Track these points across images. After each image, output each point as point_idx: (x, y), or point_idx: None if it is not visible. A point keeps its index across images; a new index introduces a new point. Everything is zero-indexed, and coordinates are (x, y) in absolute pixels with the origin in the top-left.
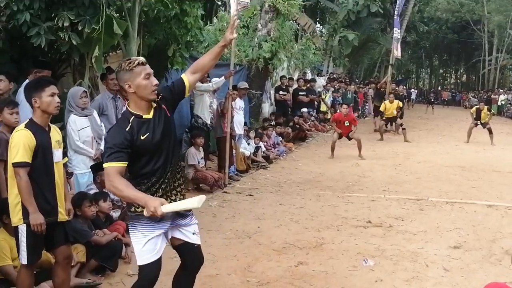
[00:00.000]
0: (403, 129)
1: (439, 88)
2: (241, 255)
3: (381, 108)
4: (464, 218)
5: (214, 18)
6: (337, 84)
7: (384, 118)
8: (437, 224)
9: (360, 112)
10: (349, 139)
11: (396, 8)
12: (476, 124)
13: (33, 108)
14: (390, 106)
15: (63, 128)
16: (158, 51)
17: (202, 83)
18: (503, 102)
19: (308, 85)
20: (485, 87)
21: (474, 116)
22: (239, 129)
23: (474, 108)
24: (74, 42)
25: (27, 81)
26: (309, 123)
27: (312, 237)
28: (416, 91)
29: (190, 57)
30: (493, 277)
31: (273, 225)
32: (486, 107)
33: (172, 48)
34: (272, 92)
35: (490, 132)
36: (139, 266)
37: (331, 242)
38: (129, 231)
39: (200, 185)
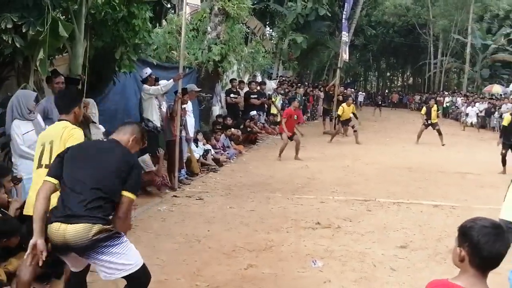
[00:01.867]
0: (355, 131)
1: (387, 91)
2: (190, 259)
3: (339, 112)
4: (410, 218)
5: (163, 20)
6: (287, 87)
7: (341, 121)
8: (385, 224)
9: (309, 114)
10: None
11: (344, 12)
12: (427, 125)
13: None
14: (347, 109)
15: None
16: (106, 53)
17: (150, 86)
18: (448, 104)
19: (259, 88)
20: (431, 90)
21: (425, 116)
22: (191, 132)
23: (424, 108)
24: (18, 45)
25: None
26: (259, 125)
27: (262, 240)
28: (364, 93)
29: (138, 60)
30: (438, 275)
31: (223, 228)
32: (435, 104)
33: (119, 51)
34: (223, 95)
35: (440, 133)
36: (140, 267)
37: (280, 244)
38: (115, 246)
39: (148, 188)
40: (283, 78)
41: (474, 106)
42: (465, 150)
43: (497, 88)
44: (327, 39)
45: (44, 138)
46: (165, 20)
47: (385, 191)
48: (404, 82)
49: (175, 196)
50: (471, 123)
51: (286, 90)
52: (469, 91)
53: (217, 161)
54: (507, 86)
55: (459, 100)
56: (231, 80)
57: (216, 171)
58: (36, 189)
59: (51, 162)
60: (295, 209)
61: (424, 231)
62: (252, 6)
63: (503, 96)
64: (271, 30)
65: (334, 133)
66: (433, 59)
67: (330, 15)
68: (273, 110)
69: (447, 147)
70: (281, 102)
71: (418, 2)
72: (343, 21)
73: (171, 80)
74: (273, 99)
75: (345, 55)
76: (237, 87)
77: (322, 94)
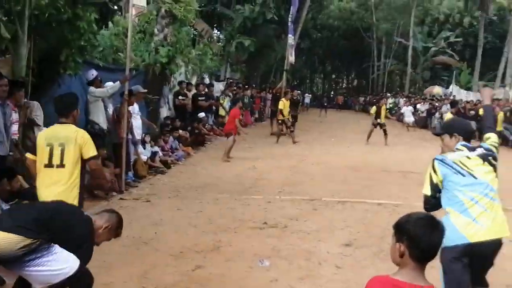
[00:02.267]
0: (292, 131)
1: (332, 93)
2: (137, 262)
3: (280, 106)
4: (355, 216)
5: (110, 22)
6: (235, 89)
7: (280, 120)
8: (330, 223)
9: (257, 116)
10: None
11: (290, 15)
12: (376, 125)
13: None
14: (287, 104)
15: None
16: (50, 55)
17: (97, 88)
18: (391, 105)
19: (207, 90)
20: (375, 91)
21: (374, 115)
22: (138, 134)
23: (374, 107)
24: None
25: None
26: (207, 127)
27: (210, 241)
28: (310, 95)
29: (84, 62)
30: (383, 272)
31: (171, 230)
32: (384, 104)
33: (64, 53)
34: (171, 97)
35: (385, 133)
36: (77, 269)
37: (228, 245)
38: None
39: (95, 192)
40: (231, 80)
41: (409, 106)
42: (408, 149)
43: (437, 90)
44: (274, 42)
45: (50, 139)
46: (112, 22)
47: (330, 190)
48: (349, 84)
49: (122, 199)
50: (412, 122)
51: (234, 92)
52: (411, 92)
53: (165, 163)
54: (447, 88)
55: (402, 101)
56: (179, 82)
57: (164, 173)
58: (44, 186)
59: (62, 163)
60: (242, 210)
61: (369, 229)
62: (199, 9)
63: (443, 97)
64: (218, 32)
65: (280, 134)
66: (377, 61)
67: (277, 18)
68: (221, 112)
69: (391, 146)
70: (229, 104)
71: (362, 6)
72: (289, 24)
73: (118, 82)
74: (221, 101)
75: (291, 58)
76: (185, 89)
77: (269, 96)
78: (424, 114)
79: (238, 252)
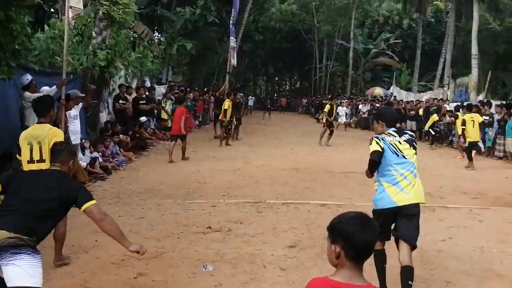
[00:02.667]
0: (228, 133)
1: (276, 95)
2: (77, 271)
3: (225, 106)
4: (298, 218)
5: (46, 26)
6: (177, 92)
7: (224, 123)
8: (274, 225)
9: (201, 119)
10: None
11: (231, 18)
12: (329, 124)
13: None
14: (231, 105)
15: None
16: None
17: (32, 93)
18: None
19: (148, 93)
20: (317, 93)
21: (327, 113)
22: (75, 140)
23: (328, 106)
24: None
25: None
26: (149, 131)
27: (152, 247)
28: (253, 98)
29: (18, 66)
30: (326, 273)
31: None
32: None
33: None
34: (110, 101)
35: (332, 133)
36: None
37: (171, 251)
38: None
39: None
40: (173, 83)
41: (344, 107)
42: (350, 150)
43: (378, 90)
44: (216, 45)
45: (29, 138)
46: (48, 25)
47: (274, 192)
48: (292, 86)
49: None
50: (345, 123)
51: (176, 95)
52: (353, 94)
53: (105, 168)
54: (388, 89)
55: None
56: (119, 86)
57: (105, 179)
58: None
59: (42, 158)
60: (186, 215)
61: (312, 230)
62: (138, 11)
63: (384, 97)
64: (159, 35)
65: (223, 137)
66: (319, 63)
67: (218, 21)
68: (164, 116)
69: (333, 147)
70: (171, 107)
71: (303, 8)
72: (230, 27)
73: (54, 86)
74: (163, 105)
75: (233, 60)
76: (125, 93)
77: (212, 99)
78: (366, 115)
79: (182, 257)
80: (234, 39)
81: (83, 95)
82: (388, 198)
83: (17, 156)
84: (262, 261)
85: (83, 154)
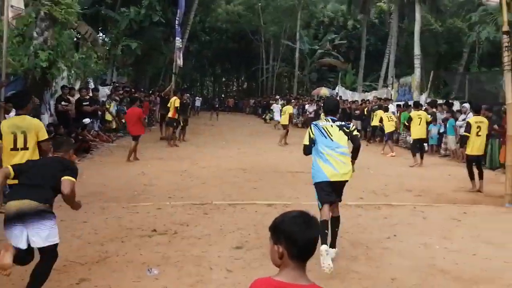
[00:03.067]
0: (173, 132)
1: (223, 96)
2: (16, 278)
3: (176, 104)
4: (245, 219)
5: None
6: (121, 93)
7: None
8: (221, 226)
9: (146, 120)
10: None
11: (177, 18)
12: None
13: None
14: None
15: None
16: None
17: None
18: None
19: (91, 94)
20: (264, 94)
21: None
22: None
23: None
24: None
25: None
26: (93, 133)
27: (95, 252)
28: (200, 99)
29: None
30: (272, 273)
31: None
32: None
33: None
34: (52, 102)
35: (287, 133)
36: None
37: (115, 255)
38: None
39: None
40: (117, 84)
41: (277, 105)
42: (297, 149)
43: (324, 91)
44: (162, 45)
45: (13, 128)
46: None
47: (221, 193)
48: (240, 86)
49: (1, 212)
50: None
51: (121, 96)
52: (299, 94)
53: None
54: (334, 89)
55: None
56: (62, 87)
57: None
58: (10, 163)
59: (26, 146)
60: (130, 218)
61: (259, 230)
62: (81, 11)
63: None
64: (104, 35)
65: (171, 138)
66: (266, 64)
67: (164, 21)
68: (108, 117)
69: (281, 147)
70: (116, 108)
71: (249, 9)
72: (176, 27)
73: None
74: (107, 106)
75: (179, 61)
76: (68, 94)
77: (158, 100)
78: (312, 115)
79: (126, 262)
80: (180, 40)
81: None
82: (322, 173)
83: None
84: (209, 263)
85: None
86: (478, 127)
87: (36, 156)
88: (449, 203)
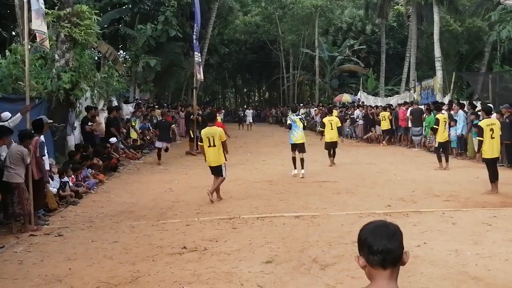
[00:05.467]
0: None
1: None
2: None
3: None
4: (274, 232)
5: (7, 51)
6: (144, 110)
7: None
8: (250, 241)
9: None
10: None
11: (194, 33)
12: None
13: None
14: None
15: None
16: None
17: None
18: (303, 115)
19: (116, 113)
20: (286, 103)
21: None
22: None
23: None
24: None
25: None
26: (120, 151)
27: (127, 272)
28: (223, 111)
29: None
30: (303, 287)
31: (86, 264)
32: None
33: None
34: (77, 123)
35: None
36: None
37: (147, 274)
38: None
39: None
40: (140, 101)
41: (250, 110)
42: (321, 158)
43: (346, 97)
44: (182, 60)
45: None
46: (9, 50)
47: (248, 206)
48: (261, 97)
49: (32, 235)
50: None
51: (145, 113)
52: (321, 102)
53: (76, 193)
54: (355, 95)
55: (313, 111)
56: (87, 108)
57: (76, 204)
58: None
59: None
60: (160, 236)
61: (288, 243)
62: (100, 31)
63: (352, 103)
64: (124, 53)
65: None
66: (286, 73)
67: (181, 35)
68: (133, 135)
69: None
70: (140, 125)
71: (266, 19)
72: (194, 41)
73: (19, 113)
74: (132, 123)
75: (199, 75)
76: (94, 114)
77: (182, 115)
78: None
79: (158, 281)
80: (199, 54)
81: (51, 121)
82: (291, 139)
83: None
84: (239, 279)
85: (52, 180)
86: (491, 129)
87: None
88: (479, 207)
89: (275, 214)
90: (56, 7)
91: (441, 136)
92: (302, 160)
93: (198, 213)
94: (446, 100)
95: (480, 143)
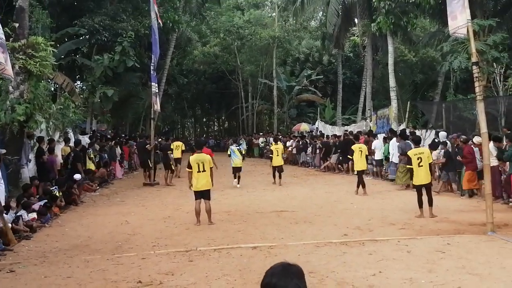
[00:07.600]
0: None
1: (204, 136)
2: None
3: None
4: (231, 264)
5: None
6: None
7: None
8: (206, 274)
9: (127, 167)
10: None
11: (152, 63)
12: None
13: None
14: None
15: None
16: None
17: None
18: (262, 144)
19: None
20: (246, 132)
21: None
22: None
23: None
24: None
25: None
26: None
27: None
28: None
29: None
30: None
31: None
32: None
33: None
34: (32, 155)
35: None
36: None
37: None
38: None
39: None
40: (97, 133)
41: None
42: (279, 188)
43: (304, 126)
44: (140, 90)
45: None
46: None
47: (205, 238)
48: (220, 126)
49: None
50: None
51: (102, 145)
52: (280, 131)
53: (30, 227)
54: (313, 124)
55: (271, 139)
56: (38, 139)
57: (29, 238)
58: None
59: None
60: (115, 270)
61: (245, 275)
62: (57, 62)
63: (310, 133)
64: (81, 84)
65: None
66: (245, 102)
67: (139, 66)
68: (90, 166)
69: (263, 186)
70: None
71: (225, 50)
72: (151, 72)
73: None
74: (90, 155)
75: (156, 106)
76: (47, 145)
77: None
78: (294, 151)
79: None
80: (156, 85)
81: (4, 151)
82: (232, 164)
83: None
84: None
85: (7, 213)
86: (419, 158)
87: None
88: (433, 235)
89: (232, 246)
90: (11, 39)
91: (358, 164)
92: (239, 177)
93: (154, 246)
94: (400, 129)
95: (412, 170)
